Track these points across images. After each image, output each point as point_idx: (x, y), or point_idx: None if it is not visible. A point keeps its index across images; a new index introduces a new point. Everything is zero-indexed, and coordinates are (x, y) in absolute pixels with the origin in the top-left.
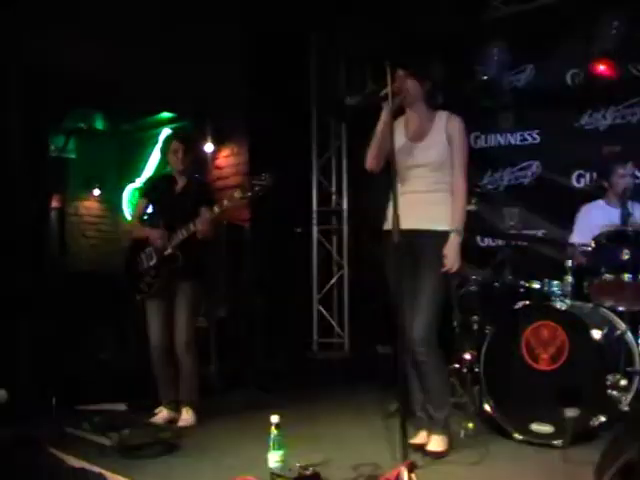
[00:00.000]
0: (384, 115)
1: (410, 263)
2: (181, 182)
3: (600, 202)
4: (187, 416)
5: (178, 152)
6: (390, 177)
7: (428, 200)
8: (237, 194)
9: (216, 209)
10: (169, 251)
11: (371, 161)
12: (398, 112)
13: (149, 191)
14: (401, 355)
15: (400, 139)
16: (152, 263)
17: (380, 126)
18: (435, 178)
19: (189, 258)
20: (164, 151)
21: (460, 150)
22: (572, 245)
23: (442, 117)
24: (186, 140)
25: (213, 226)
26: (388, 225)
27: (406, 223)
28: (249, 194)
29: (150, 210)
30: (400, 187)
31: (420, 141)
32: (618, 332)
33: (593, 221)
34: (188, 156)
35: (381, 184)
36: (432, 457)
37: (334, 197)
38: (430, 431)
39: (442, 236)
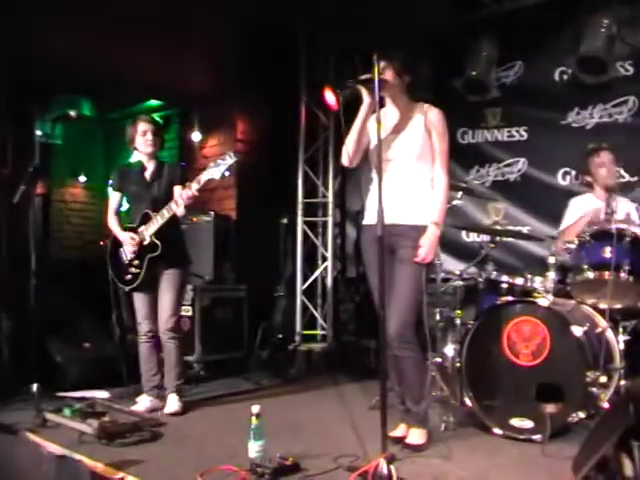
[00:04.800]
0: (363, 109)
1: (387, 257)
2: (150, 167)
3: (588, 195)
4: (173, 403)
5: (147, 133)
6: (368, 170)
7: (407, 193)
8: (204, 176)
9: (194, 186)
10: (147, 241)
11: (350, 157)
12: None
13: (119, 183)
14: (382, 348)
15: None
16: (134, 254)
17: (359, 121)
18: (414, 171)
19: (170, 245)
20: (130, 136)
21: (441, 142)
22: (555, 239)
23: (422, 109)
24: (153, 121)
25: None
26: (368, 219)
27: (388, 217)
28: (215, 174)
29: (125, 202)
30: (378, 180)
31: (399, 133)
32: (599, 329)
33: (581, 214)
34: (157, 138)
35: (359, 177)
36: (411, 450)
37: (320, 189)
38: (409, 424)
39: (421, 230)
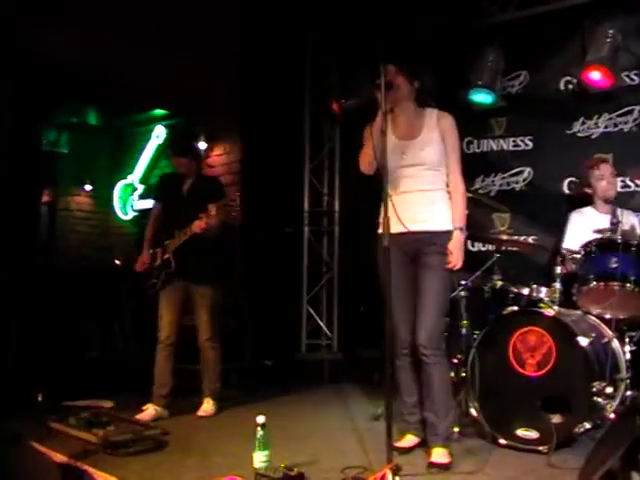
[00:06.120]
0: (380, 114)
1: (411, 265)
2: (188, 181)
3: (589, 209)
4: (208, 406)
5: (174, 160)
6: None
7: (426, 200)
8: (213, 211)
9: (205, 219)
10: (167, 256)
11: (368, 164)
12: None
13: (157, 191)
14: (388, 358)
15: (389, 139)
16: (156, 264)
17: (376, 127)
18: (430, 177)
19: (196, 261)
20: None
21: (454, 147)
22: (561, 252)
23: (433, 115)
24: (174, 147)
25: (211, 227)
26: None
27: (408, 225)
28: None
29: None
30: (395, 188)
31: (412, 139)
32: (605, 339)
33: (582, 228)
34: (183, 159)
35: (372, 186)
36: (438, 469)
37: (325, 198)
38: (433, 442)
39: (445, 236)
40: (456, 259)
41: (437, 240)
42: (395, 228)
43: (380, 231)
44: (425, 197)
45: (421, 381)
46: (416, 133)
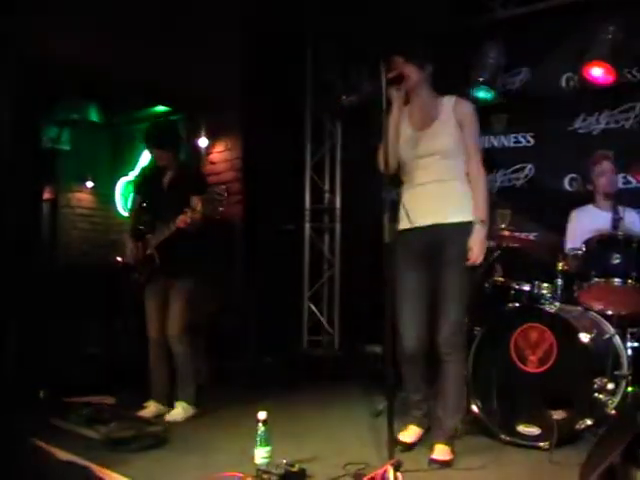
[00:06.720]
0: (395, 110)
1: (424, 263)
2: (169, 175)
3: (589, 207)
4: (176, 411)
5: (154, 152)
6: (391, 174)
7: (444, 191)
8: (199, 207)
9: (189, 213)
10: (149, 251)
11: (389, 162)
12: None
13: (138, 185)
14: (390, 354)
15: (405, 130)
16: (139, 258)
17: (393, 122)
18: (447, 166)
19: (177, 256)
20: None
21: (472, 135)
22: (562, 249)
23: (449, 101)
24: (154, 139)
25: (195, 221)
26: (402, 224)
27: (425, 218)
28: (211, 207)
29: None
30: (410, 180)
31: (427, 128)
32: (606, 336)
33: (584, 226)
34: (162, 151)
35: (373, 183)
36: (439, 466)
37: (327, 195)
38: (437, 440)
39: (465, 228)
40: (476, 255)
41: (457, 234)
42: (408, 224)
43: (400, 227)
44: (442, 187)
45: (435, 375)
46: (431, 122)
